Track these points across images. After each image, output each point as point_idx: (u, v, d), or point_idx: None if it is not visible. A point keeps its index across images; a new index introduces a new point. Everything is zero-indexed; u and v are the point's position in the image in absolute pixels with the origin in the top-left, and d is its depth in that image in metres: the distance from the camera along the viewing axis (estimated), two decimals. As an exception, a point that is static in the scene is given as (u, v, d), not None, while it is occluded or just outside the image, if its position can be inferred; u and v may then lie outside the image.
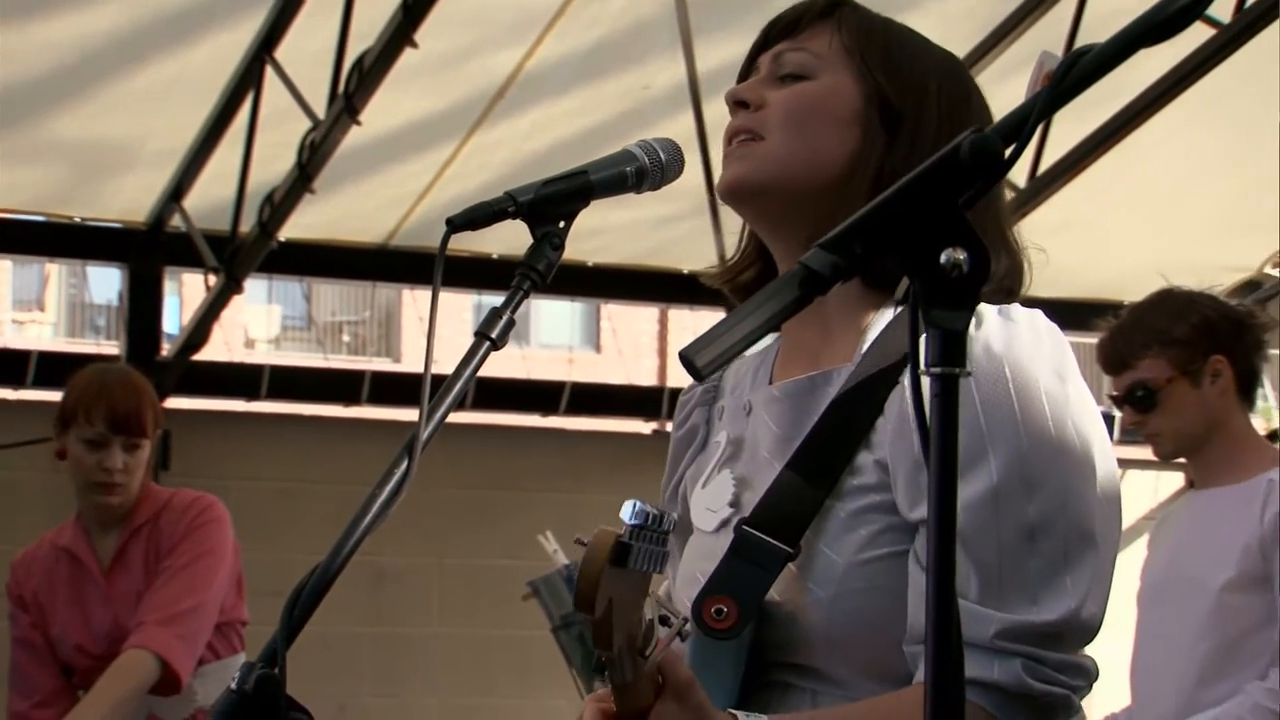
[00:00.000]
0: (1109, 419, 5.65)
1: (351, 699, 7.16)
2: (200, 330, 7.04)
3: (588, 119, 6.44)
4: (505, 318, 1.67)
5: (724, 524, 1.85)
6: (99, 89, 6.06)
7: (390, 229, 7.26)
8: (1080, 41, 5.37)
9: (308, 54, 5.74)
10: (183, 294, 14.68)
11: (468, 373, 1.64)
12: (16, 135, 6.26)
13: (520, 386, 8.27)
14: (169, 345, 7.43)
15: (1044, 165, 6.25)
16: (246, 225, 6.50)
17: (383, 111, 5.80)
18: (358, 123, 5.62)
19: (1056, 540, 1.66)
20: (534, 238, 1.71)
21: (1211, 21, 5.28)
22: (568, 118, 6.44)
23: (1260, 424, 8.72)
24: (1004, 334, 1.70)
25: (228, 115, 6.20)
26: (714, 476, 1.91)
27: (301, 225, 6.69)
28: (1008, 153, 1.30)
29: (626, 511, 1.51)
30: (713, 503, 1.89)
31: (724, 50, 5.91)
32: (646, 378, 16.80)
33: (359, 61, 5.52)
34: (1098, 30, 5.19)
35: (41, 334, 20.66)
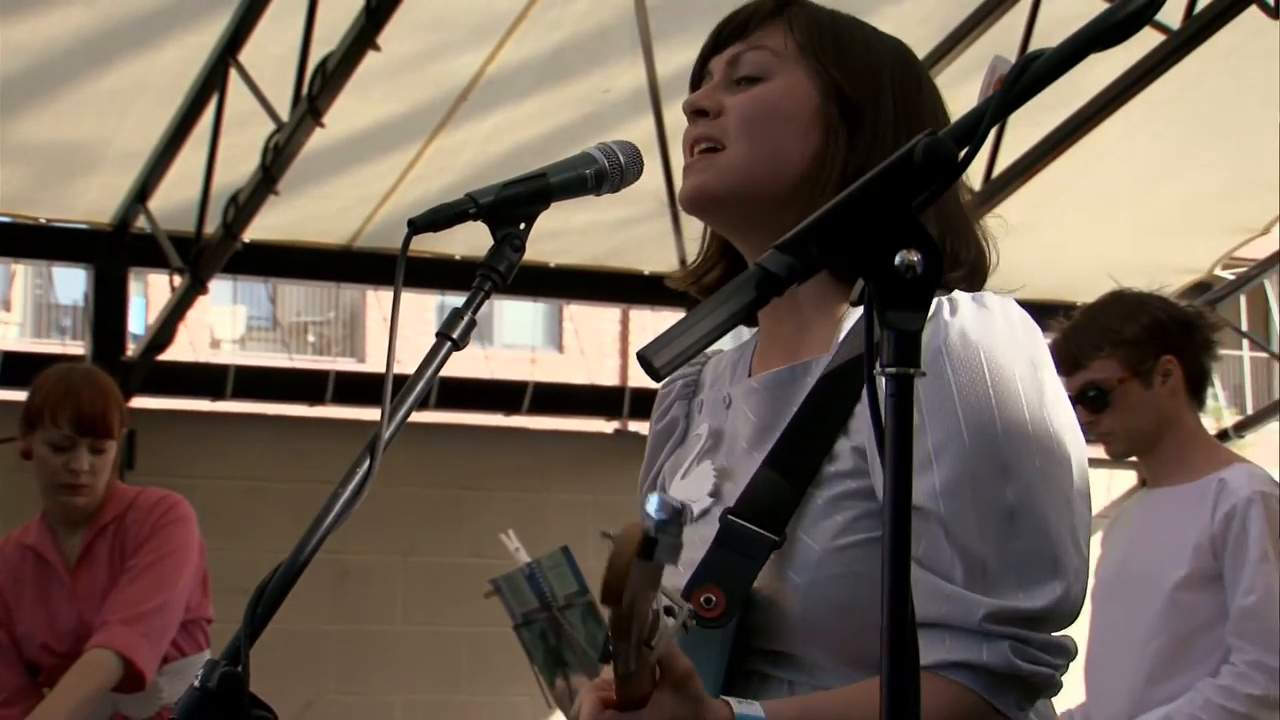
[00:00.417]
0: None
1: (317, 696, 7.15)
2: (165, 330, 7.03)
3: (549, 122, 6.46)
4: (467, 318, 1.67)
5: (704, 513, 1.85)
6: (64, 91, 6.06)
7: (354, 230, 7.26)
8: (1033, 46, 5.38)
9: (271, 57, 5.74)
10: (148, 294, 14.64)
11: (430, 372, 1.64)
12: (-17, 137, 6.25)
13: (483, 386, 8.28)
14: (134, 345, 7.42)
15: (999, 168, 6.28)
16: (211, 226, 6.49)
17: (346, 114, 5.80)
18: (321, 125, 5.62)
19: (1037, 522, 1.67)
20: (495, 239, 1.71)
21: (1161, 27, 5.32)
22: (529, 121, 6.45)
23: (1211, 423, 8.81)
24: (979, 320, 1.71)
25: (192, 117, 6.20)
26: (694, 468, 1.91)
27: (266, 227, 6.68)
28: (961, 155, 1.31)
29: (653, 505, 1.52)
30: (693, 493, 1.89)
31: (683, 55, 5.86)
32: (608, 377, 16.78)
33: (322, 64, 5.51)
34: (1050, 35, 5.24)
35: (7, 334, 20.55)
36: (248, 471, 7.49)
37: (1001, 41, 5.80)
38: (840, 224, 1.32)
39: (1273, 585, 3.50)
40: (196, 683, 1.50)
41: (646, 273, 7.61)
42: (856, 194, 1.32)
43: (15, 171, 6.63)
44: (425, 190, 6.74)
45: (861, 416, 1.73)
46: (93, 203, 6.88)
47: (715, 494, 1.86)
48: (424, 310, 14.75)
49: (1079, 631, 1.76)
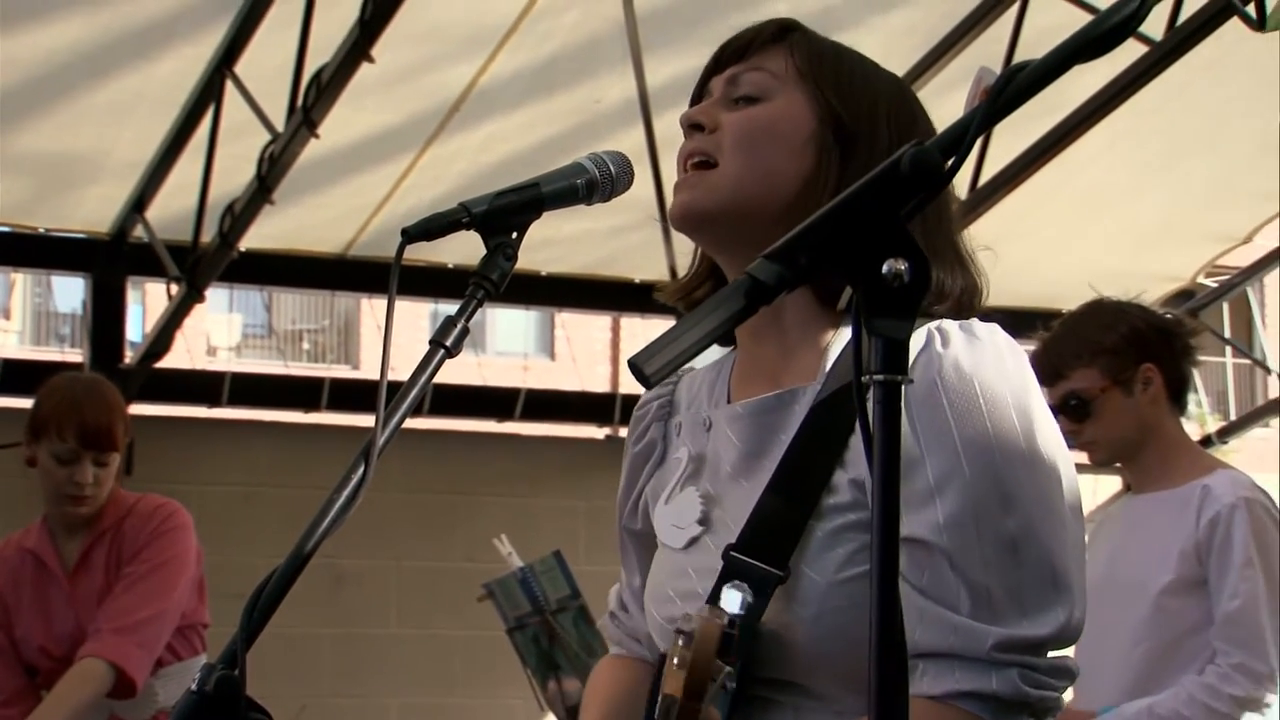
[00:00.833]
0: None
1: (312, 699, 7.11)
2: (163, 338, 7.04)
3: (540, 132, 6.48)
4: (460, 326, 1.67)
5: (693, 541, 1.84)
6: (63, 103, 6.09)
7: (348, 239, 7.29)
8: (1018, 58, 5.38)
9: (267, 68, 5.76)
10: (145, 303, 14.64)
11: (423, 379, 1.63)
12: (-18, 147, 6.27)
13: (476, 393, 8.29)
14: (132, 353, 7.44)
15: (984, 177, 6.28)
16: (208, 236, 6.49)
17: (341, 125, 5.82)
18: (316, 135, 5.63)
19: (1039, 550, 1.67)
20: (488, 248, 1.71)
21: (1144, 39, 5.35)
22: (521, 131, 6.47)
23: (1195, 429, 8.85)
24: (971, 352, 1.71)
25: (189, 128, 6.23)
26: (677, 493, 1.90)
27: (261, 236, 6.70)
28: (948, 165, 1.32)
29: (734, 603, 1.58)
30: (679, 519, 1.87)
31: (673, 66, 5.96)
32: (599, 384, 16.77)
33: (317, 76, 5.52)
34: (1035, 47, 5.23)
35: (7, 342, 20.51)
36: (244, 477, 7.52)
37: (987, 53, 5.84)
38: (828, 233, 1.32)
39: (1257, 590, 3.52)
40: (193, 686, 1.50)
41: (637, 281, 7.63)
42: (844, 203, 1.33)
43: (15, 182, 6.66)
44: (419, 200, 6.77)
45: (856, 448, 1.72)
46: (91, 212, 6.91)
47: (704, 521, 1.84)
48: (417, 318, 14.77)
49: None
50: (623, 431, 8.81)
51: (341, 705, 7.56)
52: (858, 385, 1.33)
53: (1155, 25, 5.37)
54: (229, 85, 5.94)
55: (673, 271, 6.15)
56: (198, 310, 7.02)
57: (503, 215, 1.72)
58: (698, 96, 1.93)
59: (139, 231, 6.90)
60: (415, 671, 7.72)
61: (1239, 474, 3.71)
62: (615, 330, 18.95)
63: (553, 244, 7.12)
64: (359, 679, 7.63)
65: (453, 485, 7.82)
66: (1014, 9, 5.93)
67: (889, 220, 1.32)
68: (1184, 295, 8.10)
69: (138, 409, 6.98)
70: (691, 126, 1.87)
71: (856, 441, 1.72)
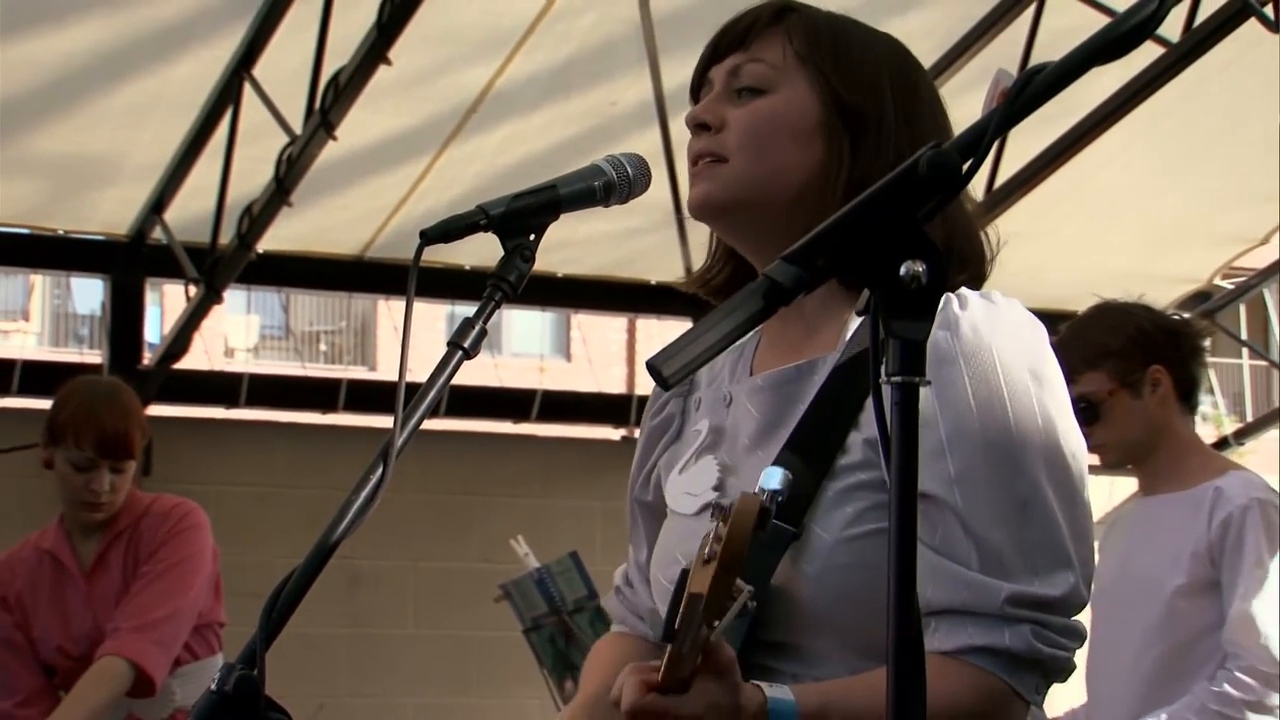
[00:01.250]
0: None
1: (329, 699, 7.13)
2: (181, 340, 7.06)
3: (557, 134, 6.49)
4: (477, 327, 1.67)
5: (705, 507, 1.85)
6: (82, 105, 6.11)
7: (366, 241, 7.31)
8: (1035, 59, 5.35)
9: (285, 71, 5.78)
10: (164, 304, 14.66)
11: (441, 381, 1.63)
12: (1, 150, 6.30)
13: (492, 394, 8.30)
14: (150, 354, 7.46)
15: (1000, 179, 6.30)
16: (226, 237, 6.51)
17: (358, 127, 5.84)
18: (334, 138, 5.65)
19: (1047, 514, 1.69)
20: (505, 250, 1.71)
21: (1161, 41, 5.36)
22: (537, 133, 6.49)
23: (1211, 430, 8.85)
24: (989, 316, 1.73)
25: (207, 130, 6.25)
26: (693, 463, 1.90)
27: (279, 237, 6.71)
28: (965, 167, 1.32)
29: (775, 479, 1.56)
30: (693, 487, 1.89)
31: (689, 68, 5.77)
32: (615, 385, 16.75)
33: (335, 78, 5.55)
34: (1052, 48, 5.22)
35: (26, 343, 20.56)
36: (261, 478, 7.55)
37: (1003, 54, 5.84)
38: (846, 235, 1.33)
39: (1267, 592, 3.52)
40: (213, 685, 1.50)
41: (653, 283, 7.64)
42: (862, 205, 1.33)
43: (34, 184, 6.69)
44: (435, 202, 6.78)
45: (871, 410, 1.66)
46: (110, 214, 6.94)
47: (719, 488, 1.86)
48: (434, 320, 14.78)
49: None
50: (639, 433, 8.77)
51: (358, 705, 7.58)
52: (875, 388, 1.34)
53: (1172, 27, 5.37)
54: (247, 87, 5.96)
55: (688, 273, 6.14)
56: (215, 311, 7.04)
57: (520, 217, 1.72)
58: (697, 86, 1.93)
59: (157, 233, 6.92)
60: (431, 671, 7.74)
61: (1251, 475, 3.72)
62: (631, 332, 18.95)
63: (569, 245, 7.13)
64: (376, 679, 7.65)
65: (469, 486, 7.84)
66: (1030, 11, 5.94)
67: (907, 222, 1.32)
68: (1200, 297, 8.09)
69: (156, 410, 7.02)
70: (698, 126, 1.87)
71: (871, 403, 1.73)
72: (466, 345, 1.66)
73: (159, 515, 3.98)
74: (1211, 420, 9.32)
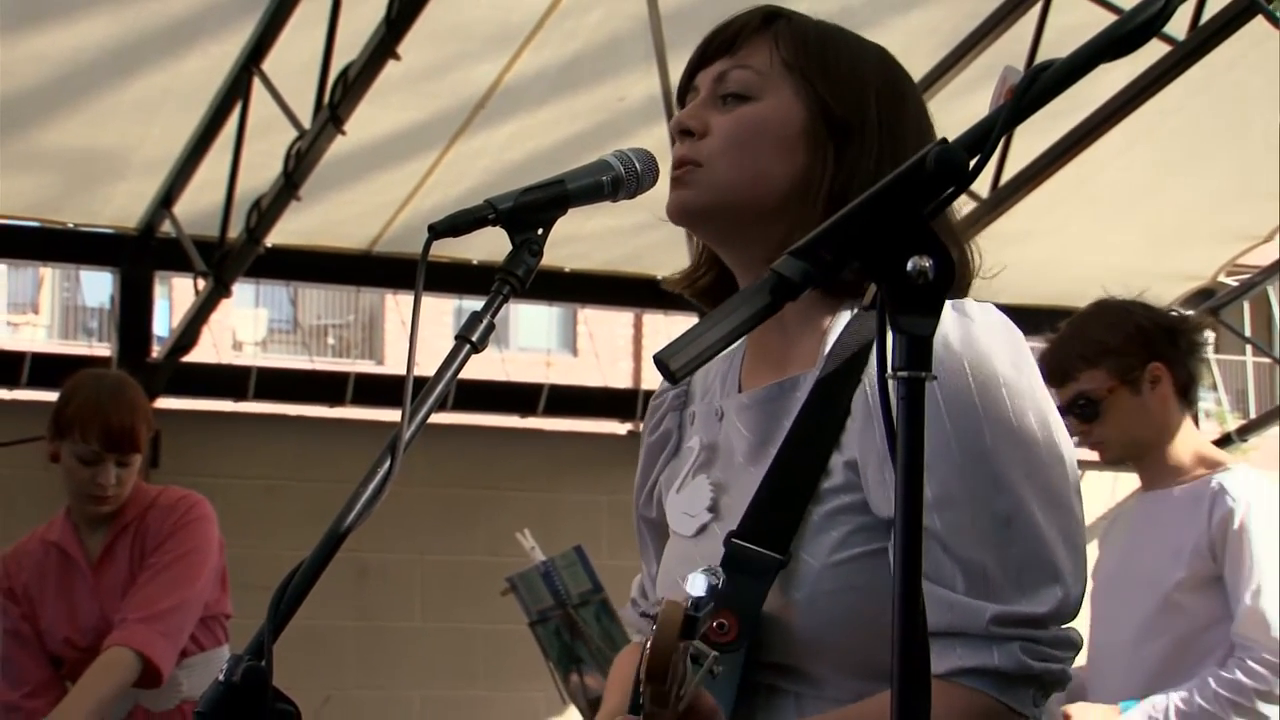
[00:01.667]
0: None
1: (336, 691, 7.20)
2: (189, 333, 7.08)
3: (565, 130, 6.50)
4: (485, 321, 1.66)
5: (702, 529, 1.85)
6: (91, 99, 6.12)
7: (374, 235, 7.32)
8: (1041, 57, 5.28)
9: (294, 66, 5.80)
10: (172, 298, 14.68)
11: (449, 375, 1.63)
12: (12, 144, 6.31)
13: (500, 388, 8.31)
14: (159, 347, 7.48)
15: (1006, 176, 6.30)
16: (234, 231, 6.54)
17: (366, 122, 5.85)
18: (342, 132, 5.67)
19: (1031, 529, 1.66)
20: (513, 244, 1.70)
21: (1167, 39, 5.36)
22: (545, 128, 6.49)
23: (1214, 427, 8.85)
24: (961, 329, 1.70)
25: (216, 125, 6.26)
26: (689, 481, 1.90)
27: (288, 231, 6.75)
28: (972, 164, 1.31)
29: (697, 586, 1.55)
30: (690, 507, 1.88)
31: None
32: (622, 380, 16.74)
33: (343, 73, 5.56)
34: (1058, 46, 5.24)
35: (36, 336, 20.62)
36: (268, 471, 7.56)
37: (1009, 52, 5.82)
38: (853, 229, 1.32)
39: (1272, 586, 3.53)
40: (221, 676, 1.51)
41: (660, 278, 7.56)
42: (869, 200, 1.33)
43: (44, 178, 6.70)
44: (443, 196, 6.79)
45: (852, 430, 1.73)
46: (119, 208, 6.95)
47: (713, 509, 1.85)
48: (442, 314, 14.80)
49: (1081, 632, 1.77)
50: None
51: (365, 697, 7.59)
52: (882, 382, 1.33)
53: (1178, 25, 5.37)
54: (256, 82, 5.97)
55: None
56: (224, 305, 7.06)
57: (528, 212, 1.72)
58: (683, 91, 1.92)
59: (166, 227, 6.94)
60: (438, 664, 7.74)
61: (1250, 470, 3.73)
62: (638, 327, 18.95)
63: (576, 240, 7.14)
64: (382, 671, 7.65)
65: (476, 480, 7.85)
66: (1036, 8, 5.94)
67: (913, 217, 1.31)
68: (1204, 294, 8.08)
69: (164, 402, 7.04)
70: (682, 132, 1.86)
71: (852, 424, 1.74)
72: (474, 339, 1.66)
73: (165, 507, 3.99)
74: (1215, 417, 9.32)
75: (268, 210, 6.26)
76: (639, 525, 2.06)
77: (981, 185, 6.29)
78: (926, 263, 1.30)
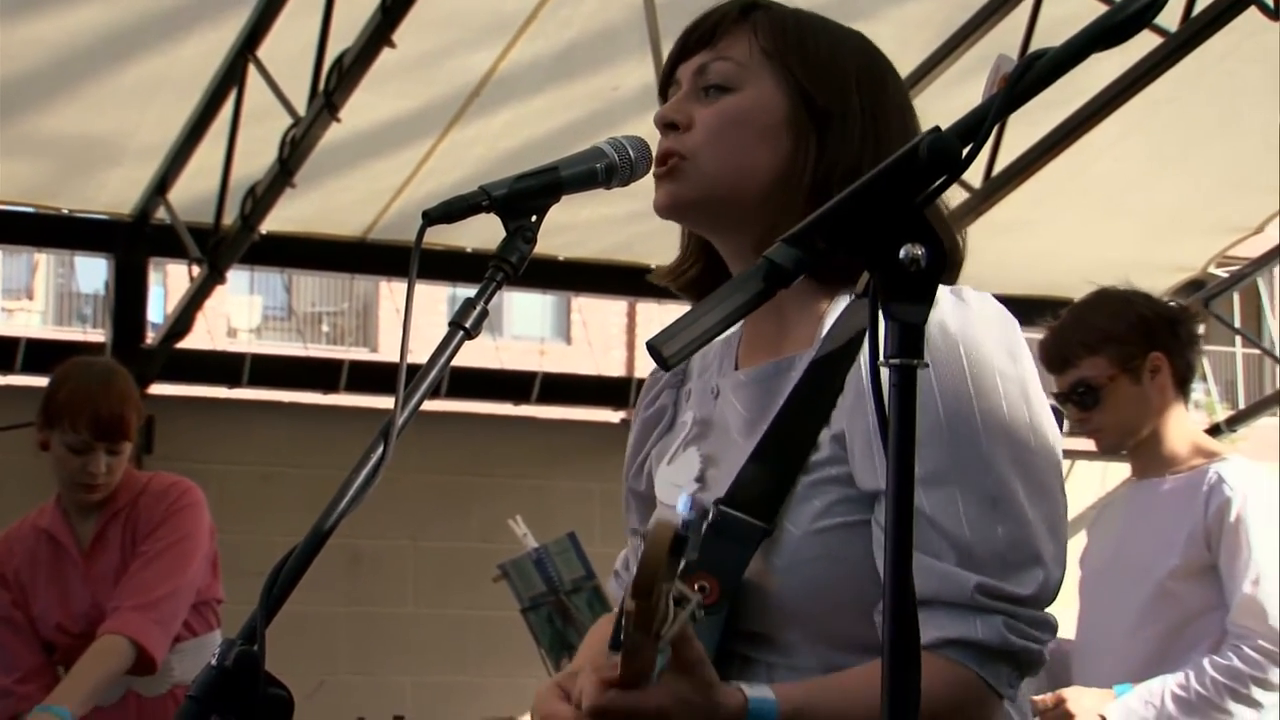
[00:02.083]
0: (1057, 414, 5.74)
1: (329, 676, 7.21)
2: (184, 319, 7.09)
3: (559, 118, 6.50)
4: (478, 308, 1.67)
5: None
6: (87, 85, 6.13)
7: (368, 223, 7.33)
8: (1034, 46, 5.35)
9: (289, 53, 5.80)
10: (167, 284, 14.75)
11: (442, 361, 1.63)
12: (6, 129, 6.31)
13: (493, 376, 8.32)
14: (154, 334, 7.49)
15: (999, 166, 6.31)
16: (229, 218, 6.54)
17: (361, 109, 5.85)
18: (337, 120, 5.68)
19: (1017, 512, 1.68)
20: (507, 231, 1.71)
21: (1159, 30, 5.36)
22: (540, 117, 6.49)
23: (1203, 417, 8.87)
24: (958, 314, 1.72)
25: (211, 112, 6.26)
26: (680, 454, 1.92)
27: (282, 218, 6.74)
28: (965, 152, 1.32)
29: (683, 504, 1.56)
30: (678, 478, 1.89)
31: None
32: (615, 368, 16.77)
33: (339, 61, 5.57)
34: (1052, 36, 5.20)
35: (30, 322, 20.61)
36: (263, 457, 7.57)
37: (1003, 43, 5.82)
38: (846, 217, 1.33)
39: (1268, 574, 3.55)
40: (214, 661, 1.51)
41: (653, 266, 7.56)
42: (862, 188, 1.33)
43: (39, 163, 6.71)
44: (438, 184, 6.79)
45: (842, 407, 1.75)
46: (114, 194, 6.96)
47: (701, 479, 1.87)
48: (435, 301, 14.80)
49: (1068, 620, 1.77)
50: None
51: (357, 682, 7.60)
52: (873, 368, 1.34)
53: (1170, 16, 5.37)
54: (251, 69, 5.98)
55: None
56: (218, 292, 7.07)
57: (522, 199, 1.72)
58: (665, 84, 1.93)
59: (161, 213, 6.95)
60: (431, 650, 7.76)
61: (1245, 461, 3.75)
62: (631, 315, 18.97)
63: (570, 229, 7.15)
64: (375, 657, 7.67)
65: (469, 467, 7.86)
66: (1029, -1, 5.95)
67: (906, 206, 1.32)
68: (1195, 285, 8.11)
69: (158, 389, 7.05)
70: (666, 125, 1.87)
71: (843, 400, 1.75)
72: (468, 326, 1.67)
73: (156, 494, 4.00)
74: (1204, 407, 9.34)
75: (262, 197, 6.26)
76: (627, 498, 2.08)
77: (974, 176, 6.30)
78: (919, 251, 1.31)
